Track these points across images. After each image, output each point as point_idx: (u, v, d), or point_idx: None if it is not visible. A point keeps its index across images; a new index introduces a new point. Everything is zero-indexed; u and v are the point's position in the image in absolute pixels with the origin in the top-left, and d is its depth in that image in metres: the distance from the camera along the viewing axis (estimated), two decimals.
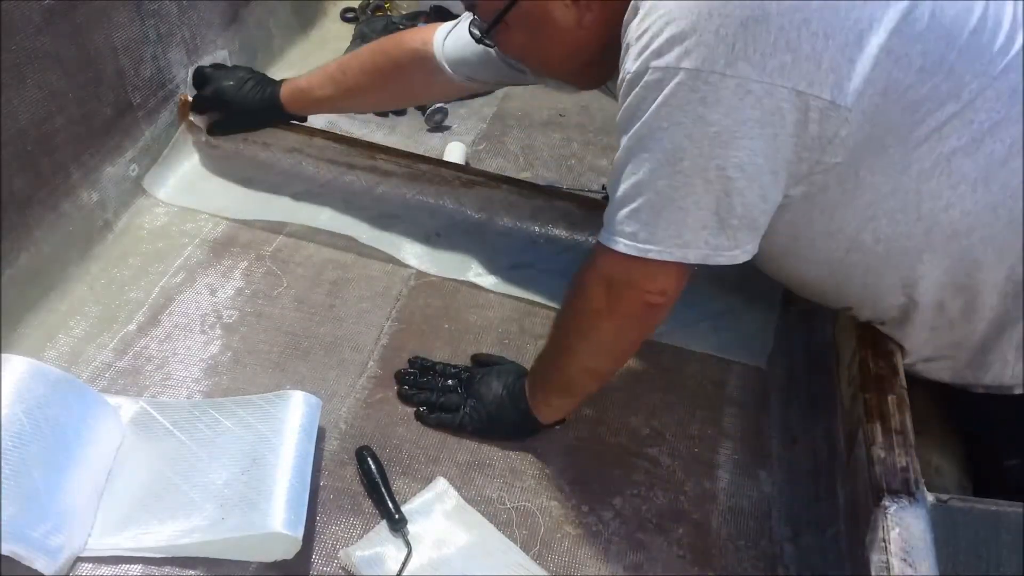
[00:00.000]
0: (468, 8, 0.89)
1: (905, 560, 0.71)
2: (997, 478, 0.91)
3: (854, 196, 0.77)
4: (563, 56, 0.86)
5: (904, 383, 0.88)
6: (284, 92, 1.27)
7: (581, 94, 1.66)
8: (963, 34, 0.72)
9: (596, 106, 1.63)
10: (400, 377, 1.07)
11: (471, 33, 0.89)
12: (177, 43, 1.34)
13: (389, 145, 1.36)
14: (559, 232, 1.32)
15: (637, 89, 0.72)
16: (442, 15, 1.77)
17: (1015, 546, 0.74)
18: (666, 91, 0.70)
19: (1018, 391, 0.87)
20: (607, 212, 0.80)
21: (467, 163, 1.42)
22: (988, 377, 0.87)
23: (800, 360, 1.16)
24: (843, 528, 0.85)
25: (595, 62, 0.86)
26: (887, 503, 0.75)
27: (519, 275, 1.25)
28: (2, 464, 0.80)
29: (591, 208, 1.31)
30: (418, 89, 1.22)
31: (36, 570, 0.80)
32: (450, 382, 1.04)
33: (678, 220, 0.74)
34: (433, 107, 1.54)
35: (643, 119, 0.72)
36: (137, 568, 0.85)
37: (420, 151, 1.37)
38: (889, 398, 0.86)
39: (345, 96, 1.22)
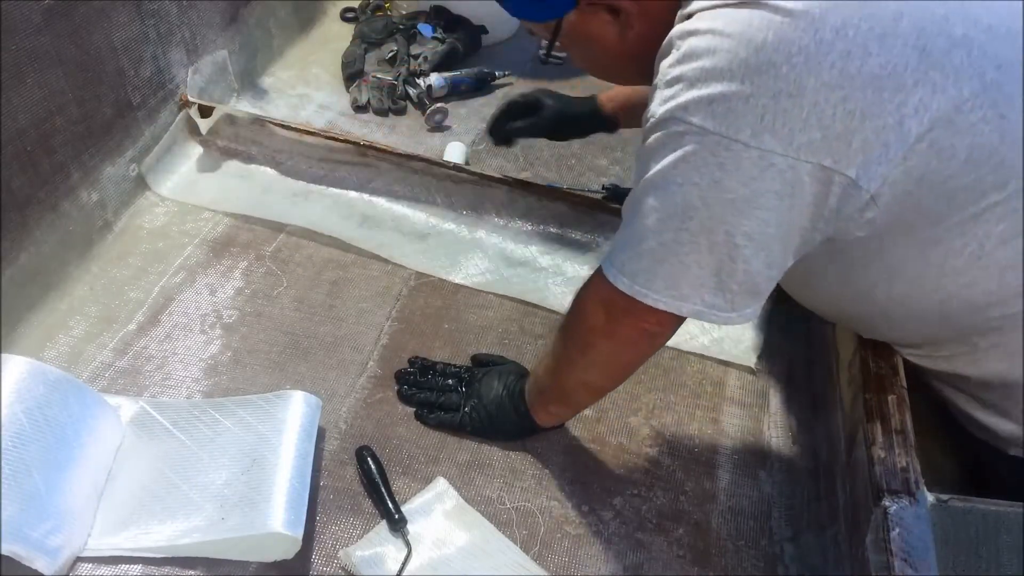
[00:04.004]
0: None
1: (905, 560, 0.71)
2: (997, 478, 0.91)
3: (873, 260, 0.75)
4: (618, 66, 0.87)
5: (904, 383, 0.88)
6: (603, 95, 1.22)
7: (581, 94, 1.68)
8: (1018, 126, 0.67)
9: None
10: (400, 377, 1.07)
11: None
12: (177, 43, 1.34)
13: (389, 145, 1.36)
14: (553, 230, 1.33)
15: (659, 135, 0.70)
16: (442, 15, 1.77)
17: (1015, 546, 0.74)
18: (687, 148, 0.68)
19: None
20: (616, 238, 0.78)
21: (467, 163, 1.42)
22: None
23: (800, 360, 1.16)
24: (843, 528, 0.85)
25: (649, 71, 0.83)
26: (887, 503, 0.75)
27: (511, 274, 1.26)
28: (2, 464, 0.80)
29: (588, 208, 1.31)
30: None
31: (36, 570, 0.80)
32: (450, 382, 1.04)
33: (677, 274, 0.73)
34: (433, 107, 1.54)
35: (660, 167, 0.70)
36: (137, 568, 0.85)
37: (420, 151, 1.37)
38: (889, 398, 0.86)
39: None
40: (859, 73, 0.64)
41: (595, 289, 0.82)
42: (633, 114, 1.18)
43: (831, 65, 0.64)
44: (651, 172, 0.71)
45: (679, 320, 0.79)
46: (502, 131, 1.25)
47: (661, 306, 0.74)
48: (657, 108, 0.70)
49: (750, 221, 0.69)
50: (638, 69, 0.81)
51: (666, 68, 0.70)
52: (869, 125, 0.65)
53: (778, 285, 1.00)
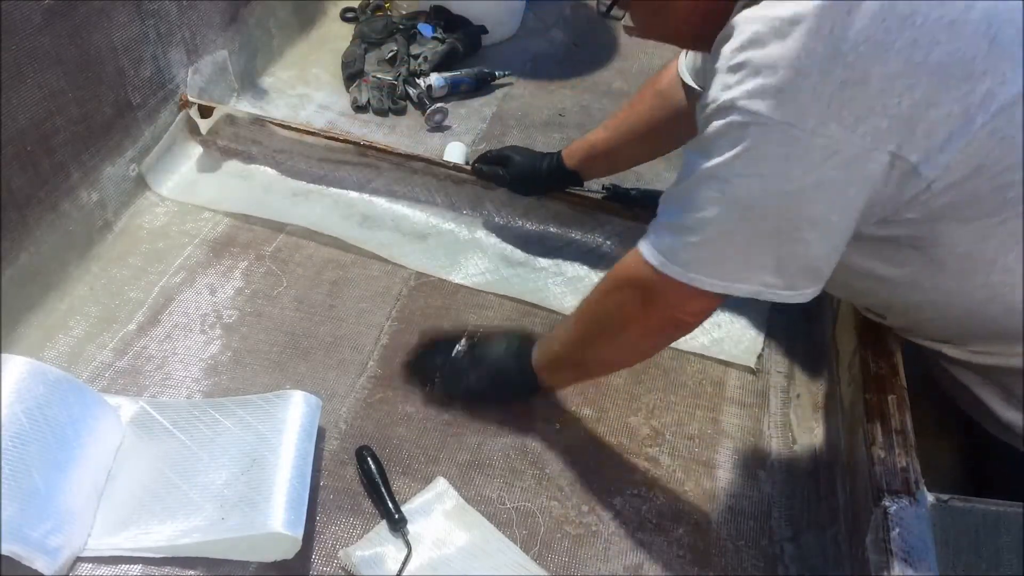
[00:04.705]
0: None
1: (905, 560, 0.71)
2: (1003, 478, 0.90)
3: (923, 246, 0.75)
4: (683, 25, 0.83)
5: (904, 383, 0.88)
6: (565, 150, 1.25)
7: (581, 94, 1.69)
8: None
9: (596, 106, 1.64)
10: (409, 353, 1.10)
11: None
12: (177, 43, 1.34)
13: (389, 145, 1.36)
14: (553, 230, 1.33)
15: (721, 123, 0.69)
16: (442, 15, 1.77)
17: (1015, 546, 0.74)
18: (751, 138, 0.67)
19: None
20: (656, 224, 0.78)
21: (467, 163, 1.42)
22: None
23: (800, 360, 1.16)
24: (843, 528, 0.85)
25: (709, 35, 0.80)
26: (887, 503, 0.75)
27: (511, 274, 1.26)
28: (2, 464, 0.80)
29: (588, 208, 1.31)
30: (675, 120, 1.14)
31: (36, 570, 0.80)
32: (457, 348, 1.06)
33: (736, 261, 0.73)
34: (433, 107, 1.54)
35: (722, 158, 0.69)
36: (137, 568, 0.85)
37: (420, 151, 1.37)
38: (889, 398, 0.86)
39: (616, 135, 1.18)
40: (925, 61, 0.63)
41: (633, 274, 0.80)
42: (594, 166, 1.23)
43: (898, 53, 0.63)
44: (712, 163, 0.70)
45: (715, 305, 0.79)
46: (480, 171, 1.30)
47: (711, 288, 0.74)
48: (720, 94, 0.68)
49: (814, 208, 0.68)
50: (701, 31, 0.79)
51: (728, 53, 0.69)
52: (934, 113, 0.64)
53: None
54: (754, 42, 0.67)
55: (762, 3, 0.69)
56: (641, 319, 0.82)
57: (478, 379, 1.01)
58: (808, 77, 0.64)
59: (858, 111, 0.64)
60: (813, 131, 0.65)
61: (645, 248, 0.78)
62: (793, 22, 0.65)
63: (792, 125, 0.65)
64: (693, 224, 0.73)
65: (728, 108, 0.68)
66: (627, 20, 0.86)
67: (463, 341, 1.06)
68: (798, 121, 0.65)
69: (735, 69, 0.68)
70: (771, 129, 0.66)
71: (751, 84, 0.66)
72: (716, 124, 0.69)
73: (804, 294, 0.74)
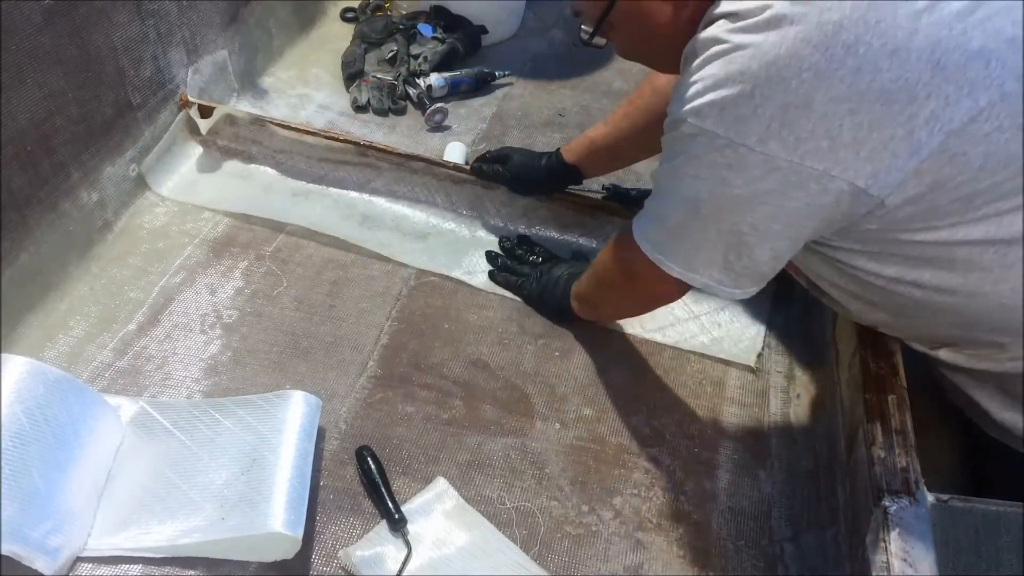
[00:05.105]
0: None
1: (905, 560, 0.71)
2: (1003, 478, 0.90)
3: (895, 252, 0.76)
4: (665, 49, 0.86)
5: (904, 383, 0.88)
6: (564, 147, 1.27)
7: (581, 94, 1.68)
8: None
9: (596, 106, 1.64)
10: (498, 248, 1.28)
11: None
12: (177, 43, 1.34)
13: (389, 145, 1.36)
14: (553, 230, 1.33)
15: (675, 133, 0.76)
16: (442, 15, 1.77)
17: (1015, 546, 0.74)
18: (697, 148, 0.74)
19: None
20: (646, 205, 0.87)
21: (467, 163, 1.42)
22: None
23: (800, 360, 1.16)
24: (843, 528, 0.85)
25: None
26: (887, 503, 0.75)
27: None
28: (2, 464, 0.80)
29: (588, 208, 1.31)
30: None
31: (36, 570, 0.80)
32: (532, 257, 1.24)
33: (689, 252, 0.82)
34: (433, 107, 1.54)
35: (674, 161, 0.77)
36: (137, 568, 0.85)
37: (420, 151, 1.37)
38: (889, 398, 0.86)
39: (616, 131, 1.20)
40: (869, 88, 0.66)
41: (624, 245, 0.92)
42: (594, 162, 1.24)
43: (840, 80, 0.66)
44: (669, 163, 0.79)
45: (685, 290, 0.88)
46: (480, 170, 1.31)
47: (675, 274, 0.84)
48: (676, 108, 0.75)
49: (754, 215, 0.74)
50: (681, 51, 0.81)
51: (688, 70, 0.75)
52: (877, 136, 0.67)
53: (795, 284, 1.01)
54: (708, 62, 0.72)
55: (717, 23, 0.73)
56: (625, 285, 0.97)
57: (527, 295, 1.19)
58: (750, 99, 0.68)
59: (799, 133, 0.68)
60: (753, 148, 0.70)
61: (635, 221, 0.89)
62: (743, 46, 0.69)
63: (733, 141, 0.70)
64: (661, 211, 0.84)
65: (680, 121, 0.75)
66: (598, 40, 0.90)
67: (537, 249, 1.26)
68: (739, 137, 0.70)
69: (689, 86, 0.73)
70: (716, 142, 0.72)
71: (699, 101, 0.72)
72: (672, 133, 0.77)
73: (747, 292, 0.83)
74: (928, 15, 0.66)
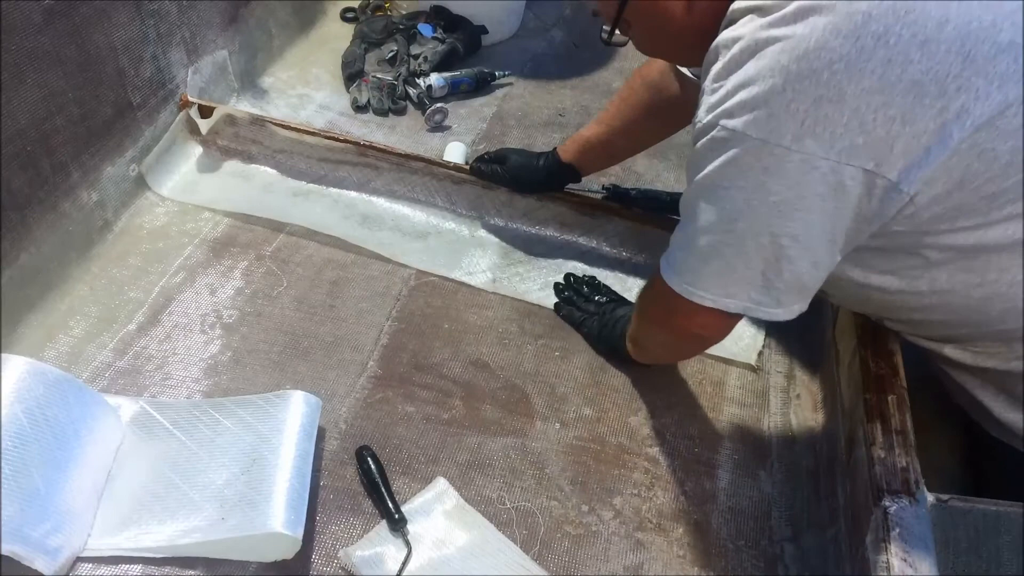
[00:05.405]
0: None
1: (905, 560, 0.71)
2: (1003, 478, 0.90)
3: (917, 252, 0.76)
4: (681, 43, 0.85)
5: (904, 383, 0.88)
6: (560, 147, 1.27)
7: (581, 94, 1.68)
8: None
9: (596, 106, 1.63)
10: (563, 282, 1.24)
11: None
12: (177, 43, 1.34)
13: (389, 145, 1.36)
14: (553, 230, 1.33)
15: (705, 140, 0.72)
16: (442, 15, 1.77)
17: (1015, 546, 0.74)
18: (731, 152, 0.70)
19: None
20: (673, 236, 0.82)
21: (467, 163, 1.42)
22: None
23: (800, 360, 1.16)
24: (843, 528, 0.85)
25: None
26: (887, 503, 0.75)
27: (511, 274, 1.26)
28: (2, 464, 0.80)
29: (589, 208, 1.31)
30: (669, 110, 1.16)
31: (36, 570, 0.80)
32: (597, 298, 1.20)
33: (724, 274, 0.76)
34: (433, 107, 1.54)
35: (707, 172, 0.73)
36: (137, 568, 0.85)
37: (420, 151, 1.37)
38: (889, 398, 0.86)
39: (610, 128, 1.20)
40: (900, 80, 0.64)
41: (655, 281, 0.86)
42: (591, 159, 1.24)
43: (871, 72, 0.64)
44: (700, 176, 0.74)
45: (728, 321, 0.82)
46: (479, 170, 1.31)
47: (708, 303, 0.78)
48: (704, 115, 0.72)
49: (795, 223, 0.71)
50: (701, 45, 0.80)
51: (712, 73, 0.72)
52: (910, 130, 0.65)
53: None
54: (734, 62, 0.70)
55: (740, 22, 0.71)
56: (665, 325, 0.90)
57: (587, 332, 1.17)
58: (782, 95, 0.66)
59: (833, 128, 0.66)
60: (789, 147, 0.67)
61: (663, 260, 0.83)
62: (768, 42, 0.67)
63: (768, 141, 0.68)
64: (689, 235, 0.78)
65: (711, 126, 0.71)
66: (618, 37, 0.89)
67: (603, 288, 1.24)
68: (774, 137, 0.67)
69: (716, 89, 0.71)
70: (749, 144, 0.69)
71: (729, 103, 0.69)
72: (702, 141, 0.73)
73: (791, 311, 0.77)
74: (957, 3, 0.65)
